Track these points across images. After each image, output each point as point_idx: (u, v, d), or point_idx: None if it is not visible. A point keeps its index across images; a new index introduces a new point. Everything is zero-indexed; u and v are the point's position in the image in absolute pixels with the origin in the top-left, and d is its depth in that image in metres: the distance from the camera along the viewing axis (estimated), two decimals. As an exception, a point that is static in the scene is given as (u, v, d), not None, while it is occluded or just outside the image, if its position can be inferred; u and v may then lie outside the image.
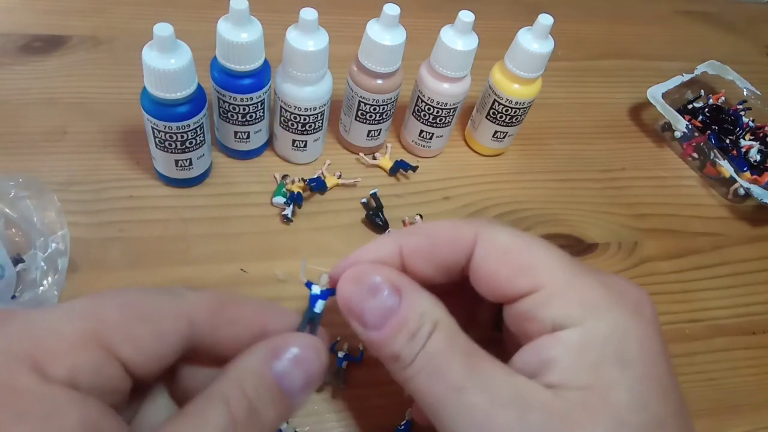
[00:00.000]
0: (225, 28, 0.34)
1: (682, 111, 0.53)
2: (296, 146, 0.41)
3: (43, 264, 0.33)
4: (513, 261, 0.23)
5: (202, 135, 0.37)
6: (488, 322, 0.27)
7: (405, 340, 0.22)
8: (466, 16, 0.38)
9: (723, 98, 0.54)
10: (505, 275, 0.23)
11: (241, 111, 0.38)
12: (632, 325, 0.22)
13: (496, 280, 0.23)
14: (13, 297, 0.32)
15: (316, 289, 0.25)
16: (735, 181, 0.47)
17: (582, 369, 0.21)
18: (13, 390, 0.16)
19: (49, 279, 0.33)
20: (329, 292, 0.25)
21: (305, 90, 0.38)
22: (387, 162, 0.44)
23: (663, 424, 0.21)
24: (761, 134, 0.52)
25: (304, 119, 0.39)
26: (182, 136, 0.35)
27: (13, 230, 0.34)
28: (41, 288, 0.32)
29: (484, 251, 0.23)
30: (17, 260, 0.33)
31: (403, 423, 0.32)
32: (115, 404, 0.19)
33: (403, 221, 0.41)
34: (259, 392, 0.20)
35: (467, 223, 0.24)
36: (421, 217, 0.40)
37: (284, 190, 0.40)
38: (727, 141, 0.51)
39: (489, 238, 0.23)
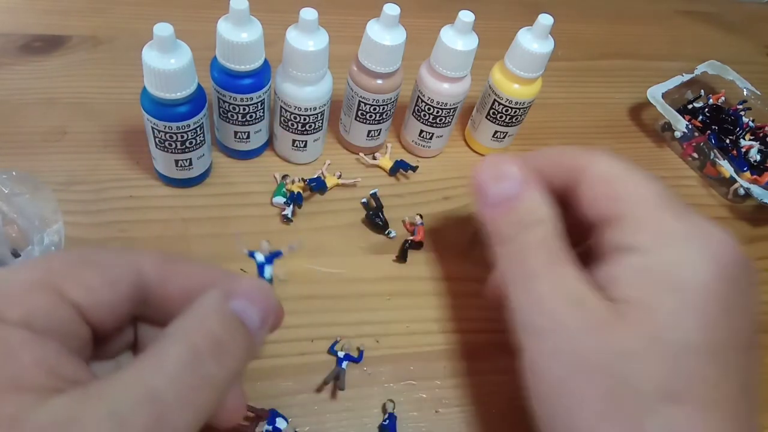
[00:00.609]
0: (225, 28, 0.34)
1: (682, 111, 0.53)
2: (296, 146, 0.41)
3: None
4: (609, 190, 0.26)
5: (202, 135, 0.37)
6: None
7: (511, 223, 0.26)
8: (466, 16, 0.38)
9: (723, 98, 0.54)
10: (598, 200, 0.26)
11: (241, 111, 0.38)
12: (695, 258, 0.23)
13: (590, 202, 0.27)
14: None
15: (260, 257, 0.25)
16: (735, 181, 0.47)
17: (636, 288, 0.24)
18: None
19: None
20: (274, 256, 0.26)
21: (305, 90, 0.38)
22: (387, 162, 0.44)
23: (696, 350, 0.23)
24: (761, 134, 0.52)
25: (304, 119, 0.39)
26: (182, 136, 0.35)
27: (10, 226, 0.34)
28: None
29: (589, 178, 0.27)
30: (14, 255, 0.33)
31: (386, 416, 0.32)
32: (79, 352, 0.20)
33: (404, 221, 0.41)
34: (224, 325, 0.20)
35: (580, 153, 0.28)
36: (421, 217, 0.40)
37: (284, 190, 0.40)
38: (727, 141, 0.51)
39: (596, 165, 0.27)
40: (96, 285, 0.20)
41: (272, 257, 0.26)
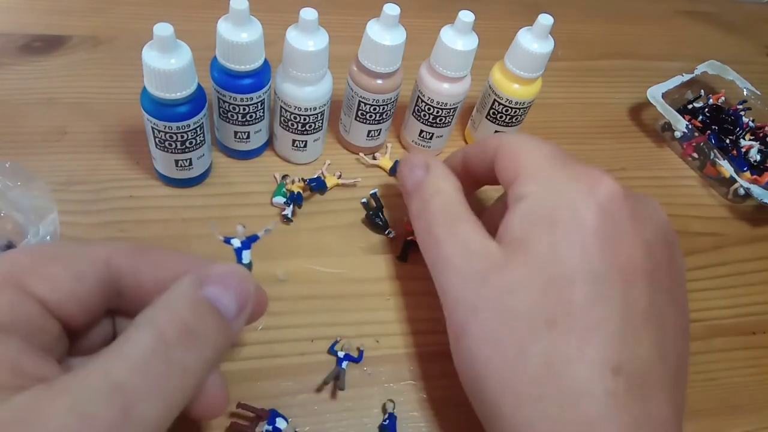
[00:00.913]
0: (225, 28, 0.34)
1: (682, 111, 0.53)
2: (296, 146, 0.41)
3: None
4: (510, 157, 0.30)
5: (202, 135, 0.37)
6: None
7: (418, 201, 0.32)
8: (466, 16, 0.38)
9: (723, 98, 0.54)
10: (504, 166, 0.30)
11: (241, 111, 0.38)
12: (574, 198, 0.26)
13: (500, 172, 0.31)
14: None
15: (236, 243, 0.25)
16: (735, 181, 0.47)
17: (521, 228, 0.27)
18: None
19: None
20: (251, 240, 0.25)
21: (305, 90, 0.38)
22: (387, 162, 0.44)
23: (570, 280, 0.25)
24: (761, 134, 0.52)
25: (304, 119, 0.39)
26: (182, 136, 0.35)
27: (6, 220, 0.34)
28: None
29: (500, 153, 0.31)
30: (9, 247, 0.33)
31: (386, 416, 0.32)
32: (48, 349, 0.19)
33: (405, 221, 0.41)
34: (195, 312, 0.19)
35: (496, 136, 0.33)
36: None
37: (284, 190, 0.40)
38: (727, 141, 0.51)
39: (503, 143, 0.31)
40: (61, 278, 0.20)
41: (249, 242, 0.25)
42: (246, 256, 0.25)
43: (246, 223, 0.39)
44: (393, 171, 0.43)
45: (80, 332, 0.21)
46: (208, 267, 0.22)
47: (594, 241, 0.25)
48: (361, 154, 0.44)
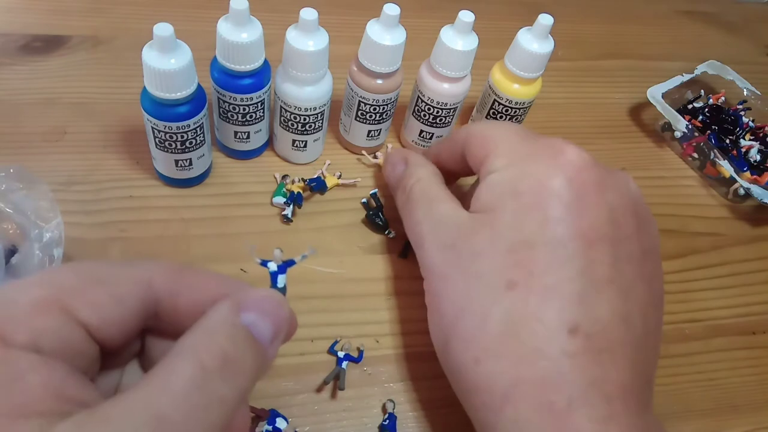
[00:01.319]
0: (225, 28, 0.34)
1: (682, 111, 0.53)
2: (296, 146, 0.41)
3: (39, 253, 0.33)
4: (480, 142, 0.31)
5: (202, 135, 0.37)
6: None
7: (402, 194, 0.35)
8: (466, 16, 0.38)
9: (723, 98, 0.54)
10: (474, 151, 0.32)
11: (241, 111, 0.38)
12: (539, 169, 0.27)
13: (472, 158, 0.32)
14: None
15: (272, 266, 0.25)
16: (735, 181, 0.47)
17: (488, 198, 0.28)
18: None
19: (46, 268, 0.33)
20: (287, 265, 0.25)
21: (305, 90, 0.38)
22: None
23: (531, 244, 0.26)
24: (761, 134, 0.52)
25: (304, 119, 0.39)
26: (182, 136, 0.35)
27: (8, 223, 0.34)
28: None
29: (469, 141, 0.32)
30: (12, 251, 0.33)
31: (386, 416, 0.32)
32: (85, 371, 0.19)
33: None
34: (233, 340, 0.19)
35: (463, 128, 0.34)
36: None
37: (284, 190, 0.40)
38: (727, 141, 0.51)
39: (470, 131, 0.33)
40: (104, 303, 0.19)
41: (285, 266, 0.25)
42: (281, 280, 0.25)
43: (246, 223, 0.39)
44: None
45: (115, 353, 0.21)
46: (245, 291, 0.22)
47: (557, 207, 0.26)
48: (364, 152, 0.44)
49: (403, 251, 0.39)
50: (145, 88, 0.33)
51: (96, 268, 0.20)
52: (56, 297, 0.19)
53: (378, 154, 0.44)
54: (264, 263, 0.25)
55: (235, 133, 0.40)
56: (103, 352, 0.20)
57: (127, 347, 0.22)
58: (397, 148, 0.44)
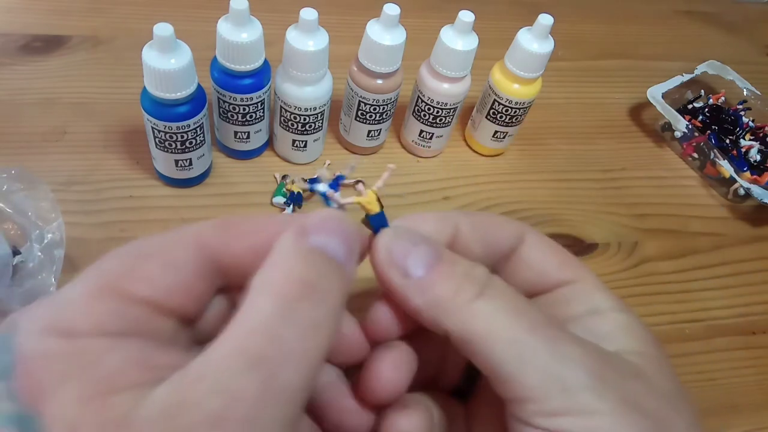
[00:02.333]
0: (225, 28, 0.34)
1: (682, 111, 0.53)
2: (296, 146, 0.41)
3: (40, 254, 0.33)
4: (559, 255, 0.25)
5: (202, 135, 0.37)
6: (456, 375, 0.27)
7: (453, 285, 0.21)
8: (466, 16, 0.38)
9: (723, 98, 0.54)
10: (553, 264, 0.25)
11: (241, 111, 0.38)
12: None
13: (545, 267, 0.25)
14: (11, 286, 0.32)
15: (322, 187, 0.23)
16: (735, 181, 0.47)
17: (634, 341, 0.23)
18: (46, 356, 0.16)
19: (47, 269, 0.33)
20: (337, 181, 0.24)
21: (305, 90, 0.38)
22: (372, 198, 0.31)
23: (684, 396, 0.22)
24: (761, 134, 0.52)
25: (304, 119, 0.39)
26: (182, 136, 0.35)
27: (9, 224, 0.34)
28: (40, 276, 0.32)
29: (534, 242, 0.25)
30: (14, 252, 0.33)
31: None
32: (171, 340, 0.19)
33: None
34: (308, 264, 0.18)
35: (515, 221, 0.26)
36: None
37: (284, 190, 0.40)
38: (727, 141, 0.51)
39: (536, 234, 0.26)
40: (157, 274, 0.19)
41: (335, 183, 0.24)
42: (336, 198, 0.23)
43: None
44: (377, 222, 0.26)
45: (197, 318, 0.21)
46: (303, 219, 0.20)
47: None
48: (335, 196, 0.26)
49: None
50: (145, 88, 0.33)
51: (140, 244, 0.20)
52: (104, 282, 0.18)
53: (360, 187, 0.35)
54: (312, 183, 0.23)
55: (235, 133, 0.40)
56: (186, 322, 0.20)
57: (210, 310, 0.21)
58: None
